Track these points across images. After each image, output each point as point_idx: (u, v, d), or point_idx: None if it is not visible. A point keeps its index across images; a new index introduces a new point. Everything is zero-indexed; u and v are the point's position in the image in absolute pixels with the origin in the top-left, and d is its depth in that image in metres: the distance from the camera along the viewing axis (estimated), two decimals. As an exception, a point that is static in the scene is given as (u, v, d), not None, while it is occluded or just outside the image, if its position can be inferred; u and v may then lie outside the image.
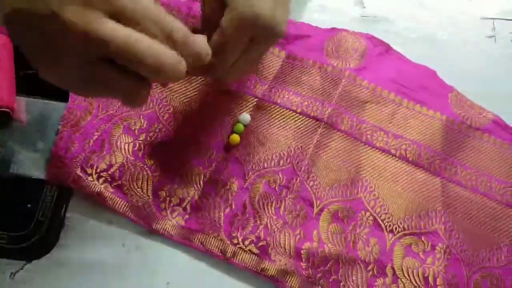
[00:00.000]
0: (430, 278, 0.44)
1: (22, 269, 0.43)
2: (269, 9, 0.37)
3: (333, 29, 0.55)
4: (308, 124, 0.49)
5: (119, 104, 0.48)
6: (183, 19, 0.52)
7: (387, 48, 0.54)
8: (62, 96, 0.47)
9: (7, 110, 0.45)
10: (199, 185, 0.46)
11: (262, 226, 0.45)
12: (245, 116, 0.48)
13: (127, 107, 0.47)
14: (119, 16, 0.28)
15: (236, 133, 0.48)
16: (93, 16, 0.27)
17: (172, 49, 0.30)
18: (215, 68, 0.39)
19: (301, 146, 0.48)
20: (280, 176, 0.47)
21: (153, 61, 0.29)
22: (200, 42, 0.32)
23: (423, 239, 0.46)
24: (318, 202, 0.46)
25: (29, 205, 0.44)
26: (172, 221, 0.45)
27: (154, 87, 0.49)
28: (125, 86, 0.31)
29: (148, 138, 0.47)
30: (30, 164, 0.45)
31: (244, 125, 0.48)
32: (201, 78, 0.50)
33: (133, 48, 0.28)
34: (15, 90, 0.46)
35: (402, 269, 0.45)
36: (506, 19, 0.58)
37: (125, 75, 0.30)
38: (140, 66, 0.29)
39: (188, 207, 0.45)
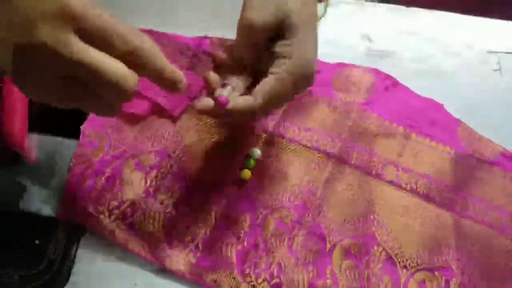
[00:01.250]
0: (446, 315, 0.44)
1: (32, 309, 0.42)
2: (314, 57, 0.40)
3: (341, 64, 0.55)
4: (319, 159, 0.49)
5: (130, 140, 0.48)
6: (195, 55, 0.53)
7: (394, 82, 0.55)
8: (74, 133, 0.48)
9: (17, 150, 0.46)
10: (211, 222, 0.46)
11: (275, 263, 0.44)
12: (256, 151, 0.49)
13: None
14: (87, 35, 0.30)
15: (247, 169, 0.48)
16: (64, 37, 0.29)
17: (134, 64, 0.32)
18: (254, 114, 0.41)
19: (312, 181, 0.48)
20: (292, 211, 0.47)
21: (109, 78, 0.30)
22: (167, 61, 0.34)
23: (436, 274, 0.46)
24: (330, 238, 0.46)
25: (39, 243, 0.44)
26: (184, 259, 0.44)
27: (164, 123, 0.50)
28: (93, 101, 0.32)
29: (160, 175, 0.47)
30: (41, 201, 0.45)
31: (255, 160, 0.49)
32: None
33: (98, 70, 0.30)
34: (27, 129, 0.46)
35: (417, 306, 0.44)
36: (511, 52, 0.59)
37: (92, 92, 0.32)
38: (97, 84, 0.31)
39: (200, 244, 0.45)
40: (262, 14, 0.40)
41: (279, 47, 0.40)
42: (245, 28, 0.41)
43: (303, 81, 0.41)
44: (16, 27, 0.29)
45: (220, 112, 0.40)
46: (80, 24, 0.29)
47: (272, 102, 0.40)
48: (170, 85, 0.35)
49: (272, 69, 0.40)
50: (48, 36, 0.29)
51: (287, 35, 0.40)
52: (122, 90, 0.31)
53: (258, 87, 0.40)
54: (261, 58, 0.41)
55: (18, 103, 0.46)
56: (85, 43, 0.30)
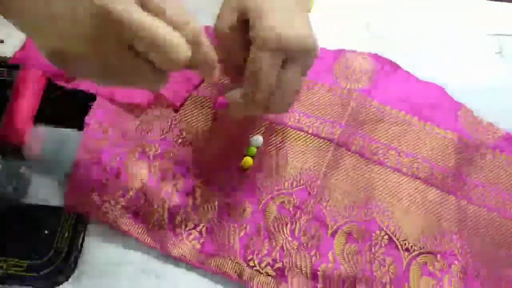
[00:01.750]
0: (448, 297, 0.44)
1: (41, 297, 0.43)
2: (290, 27, 0.38)
3: (341, 50, 0.56)
4: (320, 145, 0.50)
5: (133, 130, 0.49)
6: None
7: (395, 67, 0.55)
8: (78, 124, 0.48)
9: (22, 142, 0.46)
10: (214, 209, 0.47)
11: (277, 248, 0.45)
12: (258, 138, 0.49)
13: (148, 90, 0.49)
14: (148, 5, 0.32)
15: (249, 156, 0.48)
16: (126, 4, 0.30)
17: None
18: (257, 100, 0.40)
19: (314, 167, 0.49)
20: (294, 197, 0.47)
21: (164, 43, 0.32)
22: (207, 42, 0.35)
23: (438, 257, 0.46)
24: (332, 223, 0.47)
25: (46, 233, 0.45)
26: (188, 245, 0.45)
27: (167, 113, 0.50)
28: (145, 71, 0.34)
29: (163, 164, 0.48)
30: (46, 192, 0.46)
31: (257, 147, 0.49)
32: (212, 104, 0.51)
33: (153, 33, 0.31)
34: (32, 122, 0.47)
35: (419, 289, 0.45)
36: (512, 35, 0.58)
37: (146, 61, 0.33)
38: (154, 48, 0.32)
39: (203, 231, 0.46)
40: (224, 17, 0.41)
41: (250, 33, 0.39)
42: (218, 37, 0.42)
43: (275, 54, 0.39)
44: None
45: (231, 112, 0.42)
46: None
47: (260, 84, 0.39)
48: (207, 68, 0.37)
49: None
50: (113, 2, 0.30)
51: (251, 21, 0.39)
52: (175, 57, 0.32)
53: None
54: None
55: (28, 96, 0.47)
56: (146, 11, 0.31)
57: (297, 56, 0.39)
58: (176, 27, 0.32)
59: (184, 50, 0.32)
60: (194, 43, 0.34)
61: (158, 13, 0.32)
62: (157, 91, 0.49)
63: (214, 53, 0.36)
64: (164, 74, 0.35)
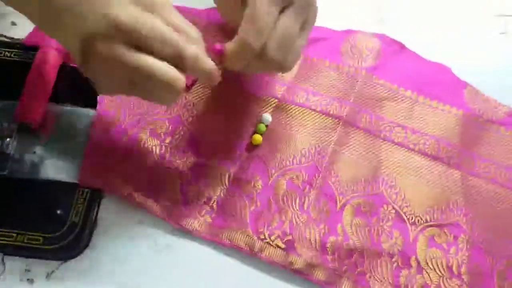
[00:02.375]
0: (454, 268, 0.45)
1: (57, 269, 0.44)
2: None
3: (348, 30, 0.56)
4: (328, 122, 0.51)
5: (144, 109, 0.50)
6: (204, 28, 0.54)
7: (401, 47, 0.56)
8: (91, 103, 0.49)
9: (35, 122, 0.48)
10: (224, 184, 0.48)
11: (287, 221, 0.46)
12: (267, 116, 0.50)
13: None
14: (138, 42, 0.35)
15: (259, 133, 0.49)
16: (116, 50, 0.35)
17: (182, 67, 0.37)
18: (253, 44, 0.39)
19: (322, 144, 0.50)
20: (303, 173, 0.48)
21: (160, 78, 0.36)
22: (209, 61, 0.38)
23: (445, 230, 0.47)
24: (340, 197, 0.48)
25: (61, 207, 0.46)
26: (200, 219, 0.46)
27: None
28: (150, 98, 0.39)
29: (174, 141, 0.49)
30: (61, 169, 0.47)
31: (266, 125, 0.50)
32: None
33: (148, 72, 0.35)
34: (47, 100, 0.48)
35: (426, 260, 0.46)
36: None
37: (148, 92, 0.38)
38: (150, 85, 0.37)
39: (214, 205, 0.47)
40: None
41: None
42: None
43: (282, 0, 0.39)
44: (74, 40, 0.36)
45: (225, 64, 0.41)
46: (128, 37, 0.35)
47: (257, 25, 0.38)
48: (207, 80, 0.40)
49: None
50: (103, 50, 0.35)
51: None
52: (171, 90, 0.36)
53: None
54: None
55: (44, 78, 0.48)
56: (136, 49, 0.35)
57: (296, 2, 0.39)
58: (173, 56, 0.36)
59: (178, 82, 0.36)
60: (193, 64, 0.37)
61: (149, 46, 0.35)
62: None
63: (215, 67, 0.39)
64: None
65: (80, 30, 0.35)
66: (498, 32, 0.59)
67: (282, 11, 0.39)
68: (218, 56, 0.40)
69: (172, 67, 0.36)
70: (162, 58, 0.36)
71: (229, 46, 0.40)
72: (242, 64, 0.41)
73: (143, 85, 0.37)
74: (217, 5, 0.48)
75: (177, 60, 0.36)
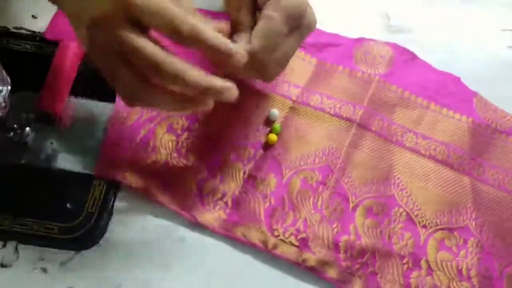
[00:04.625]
0: (464, 271, 0.46)
1: (72, 259, 0.44)
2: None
3: (361, 38, 0.58)
4: (341, 125, 0.52)
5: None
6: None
7: (413, 56, 0.57)
8: (110, 97, 0.50)
9: (55, 114, 0.48)
10: (239, 181, 0.48)
11: (301, 219, 0.47)
12: (274, 112, 0.51)
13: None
14: (139, 21, 0.35)
15: (274, 133, 0.50)
16: (118, 25, 0.35)
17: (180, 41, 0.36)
18: (260, 58, 0.42)
19: (336, 146, 0.50)
20: (317, 173, 0.49)
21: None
22: (209, 31, 0.37)
23: (455, 234, 0.48)
24: (353, 197, 0.48)
25: (78, 197, 0.46)
26: (215, 214, 0.46)
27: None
28: (125, 81, 0.37)
29: (190, 137, 0.50)
30: (77, 160, 0.48)
31: (274, 120, 0.51)
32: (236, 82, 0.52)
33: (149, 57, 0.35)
34: (67, 93, 0.49)
35: (436, 262, 0.46)
36: (524, 30, 0.61)
37: (130, 73, 0.36)
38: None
39: (229, 201, 0.47)
40: None
41: None
42: None
43: (294, 20, 0.43)
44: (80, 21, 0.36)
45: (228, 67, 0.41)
46: (130, 13, 0.35)
47: (268, 42, 0.42)
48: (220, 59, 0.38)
49: (262, 12, 0.42)
50: (103, 31, 0.35)
51: None
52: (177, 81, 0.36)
53: (253, 32, 0.42)
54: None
55: (66, 70, 0.49)
56: (138, 28, 0.35)
57: (302, 27, 0.44)
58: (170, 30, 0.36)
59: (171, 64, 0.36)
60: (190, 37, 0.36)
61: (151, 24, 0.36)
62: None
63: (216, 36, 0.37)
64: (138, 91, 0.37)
65: (84, 17, 0.36)
66: (505, 45, 0.60)
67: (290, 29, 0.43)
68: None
69: (162, 52, 0.36)
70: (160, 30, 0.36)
71: (239, 49, 0.40)
72: (239, 74, 0.45)
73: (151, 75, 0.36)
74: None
75: (177, 36, 0.36)
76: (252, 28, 0.43)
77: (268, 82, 0.51)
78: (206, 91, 0.37)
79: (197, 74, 0.36)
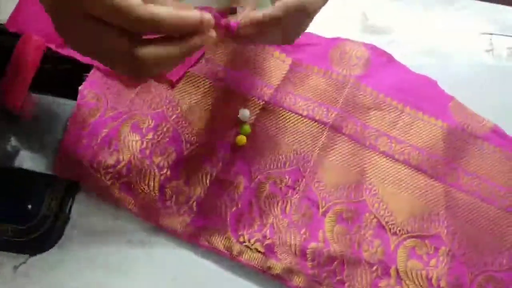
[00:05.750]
0: (434, 280, 0.45)
1: (25, 262, 0.42)
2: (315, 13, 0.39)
3: (337, 38, 0.56)
4: (314, 128, 0.50)
5: (127, 102, 0.49)
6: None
7: (390, 59, 0.56)
8: (71, 94, 0.48)
9: (14, 108, 0.46)
10: (205, 184, 0.46)
11: (268, 225, 0.45)
12: (245, 111, 0.49)
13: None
14: None
15: (243, 134, 0.48)
16: None
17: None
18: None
19: (307, 149, 0.49)
20: (286, 177, 0.47)
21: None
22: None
23: (426, 242, 0.46)
24: (323, 202, 0.47)
25: (34, 198, 0.44)
26: (179, 219, 0.45)
27: (162, 87, 0.50)
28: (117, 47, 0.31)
29: (156, 137, 0.48)
30: (37, 158, 0.46)
31: (245, 121, 0.49)
32: (207, 82, 0.50)
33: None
34: (27, 89, 0.47)
35: (406, 271, 0.45)
36: (503, 35, 0.60)
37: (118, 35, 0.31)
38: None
39: (194, 205, 0.46)
40: None
41: None
42: None
43: (295, 15, 0.37)
44: None
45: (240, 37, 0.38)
46: None
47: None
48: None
49: None
50: None
51: None
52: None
53: None
54: None
55: (26, 64, 0.46)
56: None
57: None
58: None
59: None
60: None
61: None
62: (143, 81, 0.48)
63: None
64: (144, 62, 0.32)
65: None
66: (483, 49, 0.59)
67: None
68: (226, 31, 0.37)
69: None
70: None
71: (249, 18, 0.37)
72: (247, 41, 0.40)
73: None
74: None
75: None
76: None
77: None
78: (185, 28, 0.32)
79: (168, 13, 0.31)
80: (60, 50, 0.48)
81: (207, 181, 0.46)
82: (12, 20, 0.50)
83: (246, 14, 0.37)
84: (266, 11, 0.36)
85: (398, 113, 0.52)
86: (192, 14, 0.32)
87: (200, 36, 0.33)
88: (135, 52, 0.31)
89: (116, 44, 0.31)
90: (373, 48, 0.56)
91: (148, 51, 0.32)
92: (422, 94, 0.54)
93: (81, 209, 0.45)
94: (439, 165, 0.50)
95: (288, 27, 0.38)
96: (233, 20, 0.37)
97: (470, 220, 0.48)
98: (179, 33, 0.32)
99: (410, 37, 0.58)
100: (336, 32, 0.57)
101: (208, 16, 0.32)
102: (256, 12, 0.37)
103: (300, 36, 0.41)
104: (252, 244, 0.44)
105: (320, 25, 0.56)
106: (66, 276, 0.42)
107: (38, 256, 0.42)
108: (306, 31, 0.54)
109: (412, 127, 0.52)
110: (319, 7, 0.39)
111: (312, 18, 0.40)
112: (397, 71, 0.55)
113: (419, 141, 0.51)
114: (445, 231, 0.47)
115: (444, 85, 0.55)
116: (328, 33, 0.56)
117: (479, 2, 0.62)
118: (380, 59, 0.55)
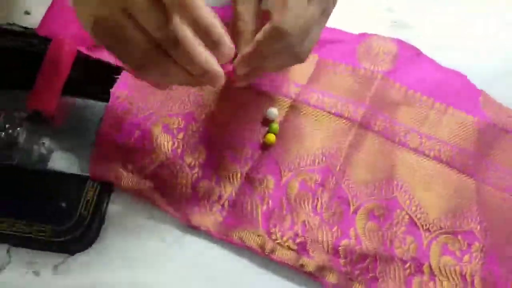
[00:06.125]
0: (468, 276, 0.45)
1: (64, 262, 0.43)
2: (300, 31, 0.38)
3: (364, 34, 0.56)
4: (342, 125, 0.50)
5: (158, 103, 0.49)
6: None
7: (418, 53, 0.55)
8: (103, 96, 0.49)
9: (48, 111, 0.47)
10: (236, 183, 0.47)
11: (299, 222, 0.45)
12: (273, 110, 0.49)
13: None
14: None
15: (272, 133, 0.49)
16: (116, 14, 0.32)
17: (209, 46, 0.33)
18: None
19: (336, 146, 0.49)
20: (316, 174, 0.47)
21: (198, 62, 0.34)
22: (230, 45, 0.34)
23: (459, 237, 0.46)
24: (354, 200, 0.47)
25: (70, 200, 0.45)
26: (211, 218, 0.45)
27: (190, 89, 0.51)
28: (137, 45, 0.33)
29: (186, 137, 0.48)
30: (71, 161, 0.47)
31: (273, 120, 0.49)
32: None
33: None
34: (60, 92, 0.48)
35: (439, 267, 0.45)
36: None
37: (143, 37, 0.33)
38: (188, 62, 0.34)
39: (225, 204, 0.46)
40: None
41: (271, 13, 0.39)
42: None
43: (274, 43, 0.39)
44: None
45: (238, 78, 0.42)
46: None
47: (296, 16, 0.38)
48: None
49: None
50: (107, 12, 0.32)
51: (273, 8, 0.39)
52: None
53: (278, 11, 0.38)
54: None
55: (59, 67, 0.47)
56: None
57: (285, 56, 0.41)
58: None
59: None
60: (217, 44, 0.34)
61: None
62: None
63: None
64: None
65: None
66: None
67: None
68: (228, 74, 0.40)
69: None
70: None
71: (259, 35, 0.39)
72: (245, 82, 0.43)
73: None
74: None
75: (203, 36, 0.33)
76: (256, 20, 0.41)
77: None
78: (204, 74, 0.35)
79: (204, 57, 0.34)
80: (91, 53, 0.49)
81: (238, 181, 0.47)
82: (43, 25, 0.51)
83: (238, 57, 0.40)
84: (249, 46, 0.39)
85: (428, 108, 0.52)
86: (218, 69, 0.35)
87: (212, 84, 0.36)
88: (164, 64, 0.34)
89: (146, 46, 0.33)
90: (400, 43, 0.55)
91: (169, 68, 0.34)
92: (452, 88, 0.53)
93: (115, 209, 0.45)
94: (470, 161, 0.49)
95: (284, 50, 0.40)
96: (230, 66, 0.40)
97: (502, 215, 0.48)
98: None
99: (437, 31, 0.58)
100: (362, 28, 0.56)
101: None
102: (244, 49, 0.39)
103: (313, 47, 0.42)
104: (284, 242, 0.44)
105: (346, 21, 0.57)
106: (103, 275, 0.43)
107: (76, 256, 0.43)
108: (332, 27, 0.55)
109: (442, 122, 0.51)
110: (306, 26, 0.39)
111: (318, 29, 0.41)
112: (425, 65, 0.55)
113: (449, 137, 0.50)
114: (478, 227, 0.47)
115: (474, 80, 0.54)
116: (354, 29, 0.56)
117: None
118: (408, 54, 0.55)
